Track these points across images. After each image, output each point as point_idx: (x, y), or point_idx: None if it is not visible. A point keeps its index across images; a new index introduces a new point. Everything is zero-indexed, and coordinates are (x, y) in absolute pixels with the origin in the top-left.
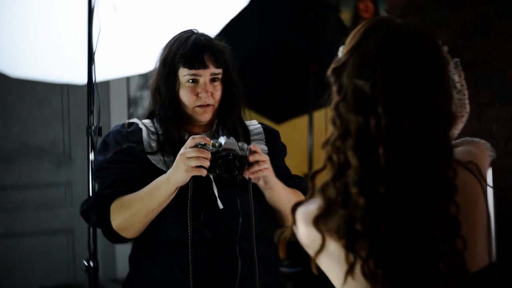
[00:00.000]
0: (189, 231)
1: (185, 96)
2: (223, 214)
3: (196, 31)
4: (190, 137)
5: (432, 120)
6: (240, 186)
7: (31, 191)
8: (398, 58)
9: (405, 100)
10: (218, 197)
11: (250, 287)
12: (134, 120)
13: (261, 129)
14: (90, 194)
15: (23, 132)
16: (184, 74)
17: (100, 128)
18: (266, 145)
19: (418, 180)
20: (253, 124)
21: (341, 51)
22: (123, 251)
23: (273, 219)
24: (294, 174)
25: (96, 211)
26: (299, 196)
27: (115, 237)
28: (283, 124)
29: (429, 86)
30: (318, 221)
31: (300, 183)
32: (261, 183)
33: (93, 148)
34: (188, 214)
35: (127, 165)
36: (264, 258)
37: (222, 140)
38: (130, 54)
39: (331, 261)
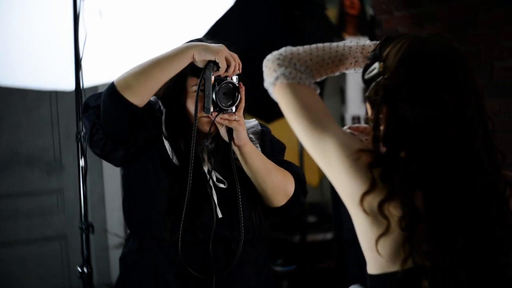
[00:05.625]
0: (180, 231)
1: (192, 106)
2: (219, 220)
3: (204, 39)
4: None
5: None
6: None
7: (22, 199)
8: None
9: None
10: (218, 205)
11: None
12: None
13: (259, 127)
14: (82, 200)
15: (12, 140)
16: (192, 83)
17: None
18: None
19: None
20: (251, 121)
21: (377, 67)
22: (117, 255)
23: (265, 212)
24: (291, 163)
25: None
26: (287, 175)
27: (119, 102)
28: (273, 123)
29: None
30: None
31: (293, 167)
32: (236, 140)
33: (83, 154)
34: (183, 217)
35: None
36: (255, 261)
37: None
38: (117, 59)
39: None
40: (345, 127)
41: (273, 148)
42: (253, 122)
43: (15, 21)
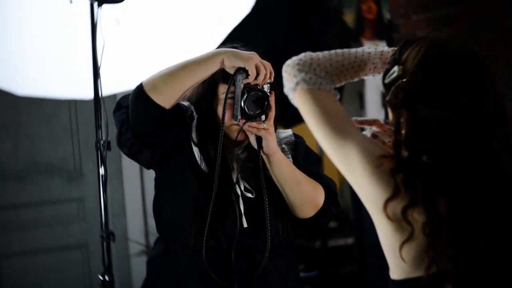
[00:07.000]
0: (204, 238)
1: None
2: (244, 230)
3: (238, 45)
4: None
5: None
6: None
7: (43, 208)
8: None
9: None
10: (244, 214)
11: None
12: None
13: (292, 138)
14: (102, 208)
15: (32, 149)
16: (223, 91)
17: (109, 142)
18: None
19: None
20: (286, 132)
21: (397, 70)
22: (138, 263)
23: (293, 224)
24: (324, 174)
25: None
26: (317, 187)
27: (145, 102)
28: (292, 129)
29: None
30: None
31: (324, 179)
32: (264, 149)
33: (103, 162)
34: (207, 224)
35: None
36: (280, 270)
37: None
38: (135, 67)
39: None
40: (372, 120)
41: (306, 159)
42: (287, 132)
43: (33, 31)
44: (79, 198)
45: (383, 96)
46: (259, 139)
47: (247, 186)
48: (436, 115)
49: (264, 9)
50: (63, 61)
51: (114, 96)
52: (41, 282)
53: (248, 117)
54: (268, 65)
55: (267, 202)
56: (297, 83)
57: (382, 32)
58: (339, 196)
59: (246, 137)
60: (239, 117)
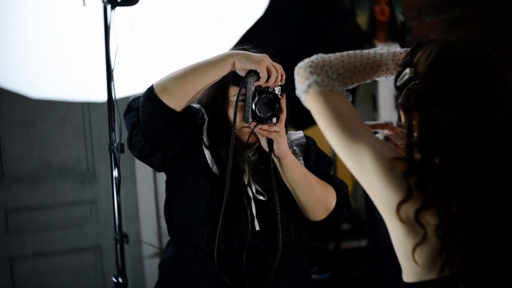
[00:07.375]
0: (216, 241)
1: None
2: (256, 233)
3: (248, 47)
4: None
5: None
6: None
7: (56, 210)
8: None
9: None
10: (256, 217)
11: None
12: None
13: (304, 140)
14: (116, 210)
15: (45, 152)
16: (234, 93)
17: (122, 145)
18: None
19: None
20: (297, 133)
21: (409, 72)
22: (152, 265)
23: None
24: (335, 176)
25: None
26: (328, 189)
27: (156, 104)
28: (304, 131)
29: None
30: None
31: (336, 181)
32: (275, 151)
33: (116, 164)
34: (219, 226)
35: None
36: (292, 273)
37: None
38: (148, 69)
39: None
40: (384, 123)
41: (317, 161)
42: (299, 134)
43: (46, 33)
44: (92, 200)
45: (396, 98)
46: (270, 141)
47: (258, 188)
48: (448, 117)
49: (276, 11)
50: (76, 64)
51: (128, 98)
52: (54, 284)
53: (259, 120)
54: (279, 68)
55: (278, 205)
56: (309, 85)
57: (395, 34)
58: (352, 198)
59: (257, 139)
60: (250, 119)
